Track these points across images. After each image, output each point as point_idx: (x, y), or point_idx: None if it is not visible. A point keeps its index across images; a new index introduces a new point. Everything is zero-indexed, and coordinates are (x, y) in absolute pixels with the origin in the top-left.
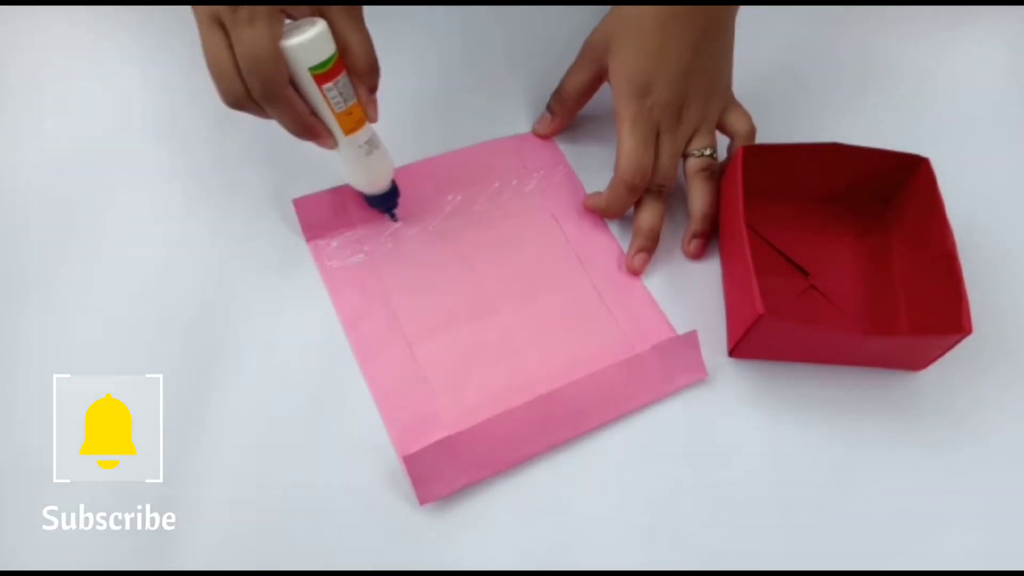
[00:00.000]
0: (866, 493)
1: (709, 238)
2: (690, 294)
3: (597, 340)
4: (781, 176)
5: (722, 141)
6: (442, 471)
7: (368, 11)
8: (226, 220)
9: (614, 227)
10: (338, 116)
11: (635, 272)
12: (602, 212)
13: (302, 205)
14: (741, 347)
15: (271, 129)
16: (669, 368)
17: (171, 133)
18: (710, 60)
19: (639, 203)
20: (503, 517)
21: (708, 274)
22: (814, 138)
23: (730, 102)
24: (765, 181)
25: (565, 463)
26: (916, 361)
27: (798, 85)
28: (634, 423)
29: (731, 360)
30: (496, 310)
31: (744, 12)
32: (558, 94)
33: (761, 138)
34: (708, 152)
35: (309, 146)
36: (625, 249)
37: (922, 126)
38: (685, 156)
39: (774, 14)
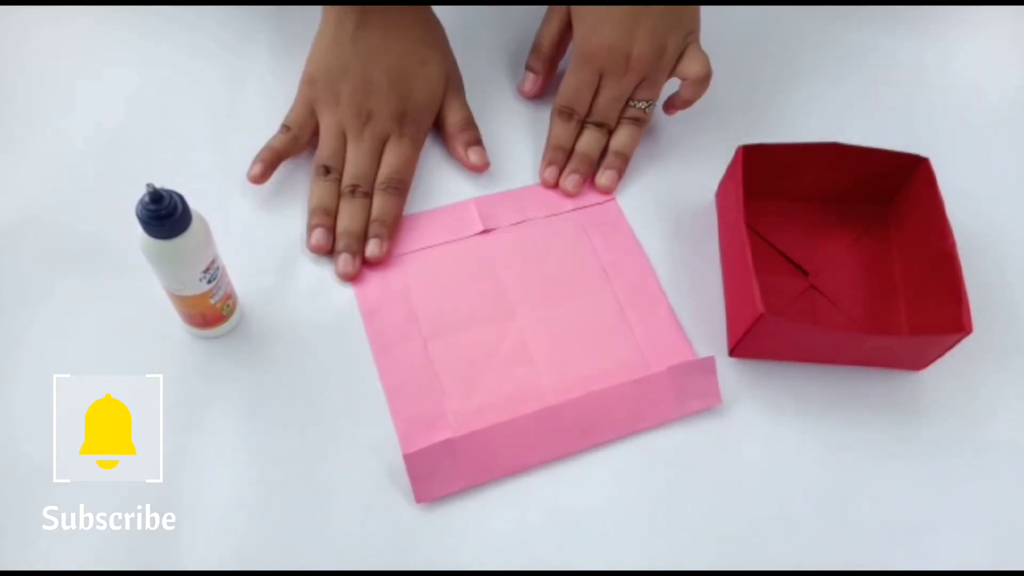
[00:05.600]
0: (866, 493)
1: (621, 174)
2: (690, 294)
3: (613, 355)
4: (781, 176)
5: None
6: (441, 472)
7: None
8: (233, 216)
9: (644, 243)
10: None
11: (567, 193)
12: (549, 144)
13: None
14: (741, 347)
15: (277, 125)
16: (682, 392)
17: (174, 131)
18: (664, 8)
19: (580, 133)
20: (502, 516)
21: (708, 274)
22: (814, 138)
23: (690, 46)
24: (765, 181)
25: (564, 462)
26: (916, 361)
27: (798, 84)
28: None
29: (731, 360)
30: (515, 315)
31: (744, 12)
32: (535, 50)
33: (762, 138)
34: (643, 105)
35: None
36: (654, 263)
37: (922, 126)
38: (629, 101)
39: (775, 14)
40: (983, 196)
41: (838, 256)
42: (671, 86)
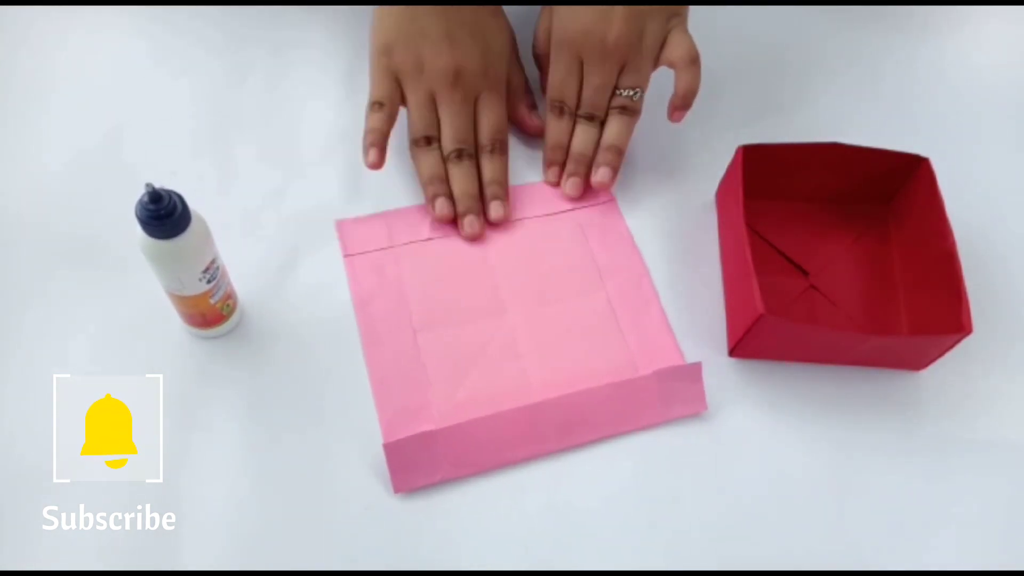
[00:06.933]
0: (866, 493)
1: (616, 170)
2: (690, 294)
3: (601, 355)
4: (781, 176)
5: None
6: (421, 463)
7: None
8: (233, 216)
9: (644, 243)
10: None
11: (569, 197)
12: (547, 143)
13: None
14: (741, 347)
15: (276, 124)
16: (667, 396)
17: (174, 131)
18: None
19: (573, 131)
20: (503, 515)
21: (708, 274)
22: (814, 138)
23: (673, 30)
24: (765, 181)
25: (562, 461)
26: (916, 361)
27: (798, 84)
28: None
29: (731, 360)
30: (506, 311)
31: (744, 12)
32: (533, 49)
33: (761, 138)
34: (630, 93)
35: (300, 141)
36: (654, 263)
37: (922, 126)
38: (616, 90)
39: (774, 13)
40: (983, 196)
41: (838, 256)
42: (665, 91)
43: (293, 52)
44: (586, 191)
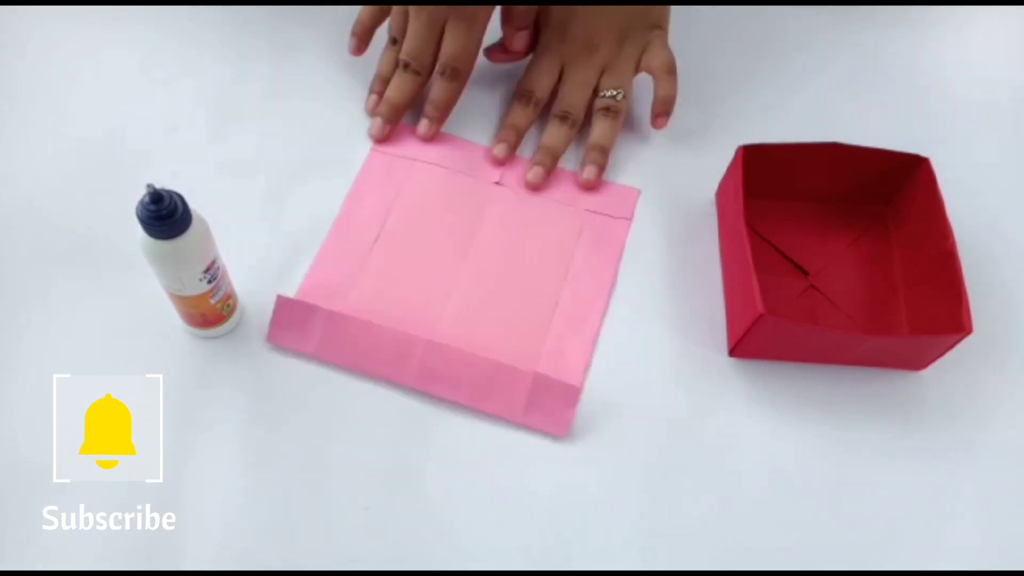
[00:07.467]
0: (866, 493)
1: (602, 168)
2: (690, 294)
3: (517, 337)
4: (781, 176)
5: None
6: (299, 328)
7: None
8: (233, 216)
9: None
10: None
11: (530, 186)
12: (503, 122)
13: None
14: (741, 347)
15: (276, 125)
16: (534, 402)
17: (175, 131)
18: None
19: (546, 126)
20: (501, 514)
21: (708, 274)
22: (814, 138)
23: (653, 40)
24: (765, 181)
25: (563, 461)
26: (916, 361)
27: (798, 84)
28: (633, 422)
29: (731, 360)
30: (467, 258)
31: (744, 12)
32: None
33: (761, 138)
34: (613, 94)
35: (300, 142)
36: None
37: (922, 126)
38: (597, 93)
39: (774, 14)
40: (983, 196)
41: (838, 256)
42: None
43: (294, 53)
44: (611, 199)
